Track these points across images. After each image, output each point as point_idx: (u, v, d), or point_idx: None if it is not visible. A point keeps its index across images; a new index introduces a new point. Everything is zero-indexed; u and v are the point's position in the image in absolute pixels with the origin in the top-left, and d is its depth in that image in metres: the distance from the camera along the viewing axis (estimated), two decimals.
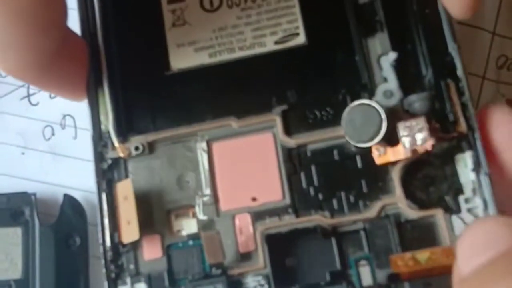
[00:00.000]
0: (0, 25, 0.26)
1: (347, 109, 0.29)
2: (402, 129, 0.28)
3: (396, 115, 0.29)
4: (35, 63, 0.28)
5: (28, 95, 0.35)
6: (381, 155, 0.29)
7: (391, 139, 0.28)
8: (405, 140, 0.28)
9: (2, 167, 0.34)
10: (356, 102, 0.29)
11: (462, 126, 0.29)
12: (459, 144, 0.29)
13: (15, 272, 0.32)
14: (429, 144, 0.28)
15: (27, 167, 0.34)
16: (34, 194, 0.33)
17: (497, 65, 0.33)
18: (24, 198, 0.33)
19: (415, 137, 0.28)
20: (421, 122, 0.28)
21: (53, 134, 0.34)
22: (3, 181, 0.34)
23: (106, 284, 0.29)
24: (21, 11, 0.26)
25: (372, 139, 0.28)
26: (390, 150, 0.29)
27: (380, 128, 0.28)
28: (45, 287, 0.32)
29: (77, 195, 0.33)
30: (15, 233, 0.32)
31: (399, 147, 0.28)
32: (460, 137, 0.29)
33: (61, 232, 0.32)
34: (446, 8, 0.30)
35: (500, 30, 0.33)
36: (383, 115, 0.28)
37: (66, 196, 0.33)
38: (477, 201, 0.28)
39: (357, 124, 0.28)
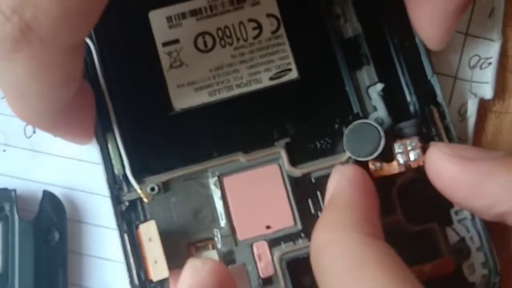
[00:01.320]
0: (25, 77, 0.26)
1: (349, 127, 0.32)
2: (397, 147, 0.32)
3: (390, 136, 0.32)
4: (52, 112, 0.29)
5: None
6: (377, 170, 0.32)
7: (386, 156, 0.32)
8: (400, 157, 0.32)
9: None
10: (358, 121, 0.32)
11: None
12: None
13: None
14: (421, 160, 0.31)
15: (8, 164, 0.35)
16: (14, 190, 0.33)
17: (469, 64, 0.35)
18: (4, 194, 0.33)
19: (409, 154, 0.32)
20: (414, 140, 0.32)
21: (34, 132, 0.35)
22: None
23: None
24: (51, 65, 0.26)
25: (371, 154, 0.32)
26: (385, 165, 0.32)
27: (379, 144, 0.31)
28: (24, 281, 0.32)
29: (56, 191, 0.34)
30: None
31: (394, 163, 0.32)
32: None
33: (41, 227, 0.33)
34: (422, 41, 0.33)
35: (473, 31, 0.36)
36: (382, 133, 0.31)
37: (46, 192, 0.34)
38: (465, 213, 0.32)
39: (358, 141, 0.32)
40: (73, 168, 0.34)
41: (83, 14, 0.25)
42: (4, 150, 0.35)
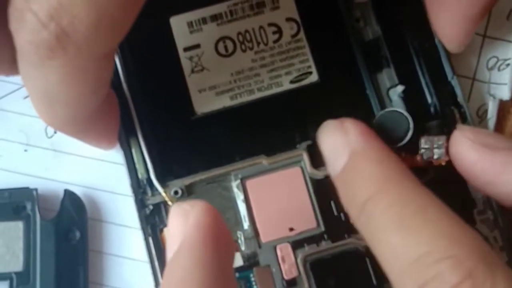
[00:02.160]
0: (57, 83, 0.26)
1: (381, 112, 0.32)
2: (424, 142, 0.32)
3: (418, 130, 0.32)
4: (80, 118, 0.29)
5: None
6: None
7: (410, 149, 0.32)
8: (424, 152, 0.32)
9: (5, 163, 0.35)
10: (390, 109, 0.32)
11: None
12: None
13: (17, 265, 0.33)
14: (443, 160, 0.32)
15: (29, 163, 0.35)
16: (36, 190, 0.34)
17: (487, 66, 0.36)
18: (26, 193, 0.33)
19: (434, 151, 0.32)
20: (442, 139, 0.32)
21: (55, 132, 0.35)
22: (6, 176, 0.35)
23: None
24: (83, 72, 0.26)
25: (396, 143, 0.32)
26: (408, 157, 0.32)
27: (406, 135, 0.32)
28: (45, 280, 0.33)
29: (77, 190, 0.34)
30: (16, 227, 0.33)
31: (417, 157, 0.32)
32: None
33: (62, 226, 0.33)
34: (441, 43, 0.33)
35: (491, 33, 0.36)
36: (411, 125, 0.32)
37: (67, 191, 0.34)
38: (488, 213, 0.32)
39: (387, 128, 0.32)
40: (94, 167, 0.35)
41: (118, 21, 0.25)
42: (25, 150, 0.35)
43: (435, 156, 0.32)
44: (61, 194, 0.34)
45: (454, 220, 0.26)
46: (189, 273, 0.25)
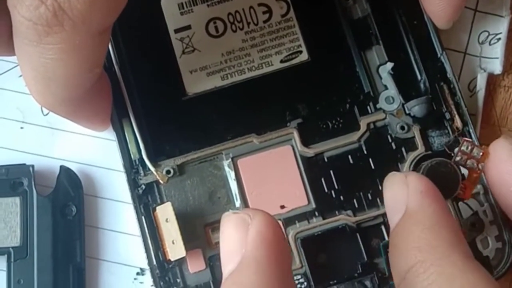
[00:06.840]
0: (53, 61, 0.26)
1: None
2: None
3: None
4: (74, 98, 0.30)
5: None
6: None
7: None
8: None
9: (2, 141, 0.36)
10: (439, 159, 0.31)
11: (458, 123, 0.33)
12: (456, 138, 0.33)
13: (14, 240, 0.33)
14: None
15: (25, 140, 0.36)
16: (32, 166, 0.34)
17: (479, 40, 0.36)
18: (22, 169, 0.34)
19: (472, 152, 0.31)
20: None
21: None
22: (3, 154, 0.35)
23: None
24: (79, 50, 0.26)
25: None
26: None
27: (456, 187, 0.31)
28: (42, 254, 0.33)
29: (73, 167, 0.35)
30: (14, 203, 0.34)
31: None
32: (458, 132, 0.33)
33: (58, 201, 0.34)
34: (430, 19, 0.33)
35: (482, 7, 0.36)
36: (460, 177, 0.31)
37: (63, 167, 0.34)
38: (478, 187, 0.33)
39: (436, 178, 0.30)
40: (90, 144, 0.35)
41: None
42: (22, 127, 0.36)
43: (474, 154, 0.31)
44: (57, 170, 0.34)
45: None
46: None
